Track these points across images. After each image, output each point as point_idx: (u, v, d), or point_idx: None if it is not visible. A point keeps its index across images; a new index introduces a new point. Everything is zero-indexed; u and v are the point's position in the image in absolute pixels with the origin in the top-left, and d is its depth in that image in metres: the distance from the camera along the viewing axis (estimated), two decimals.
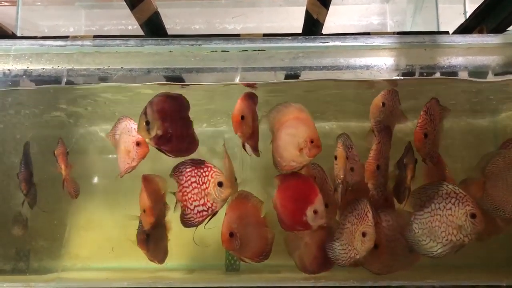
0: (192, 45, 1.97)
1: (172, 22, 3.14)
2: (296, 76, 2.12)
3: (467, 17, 2.26)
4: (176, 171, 1.90)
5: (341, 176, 1.90)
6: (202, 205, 1.86)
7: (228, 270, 2.46)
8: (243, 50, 1.97)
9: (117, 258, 2.49)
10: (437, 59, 1.97)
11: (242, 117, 1.80)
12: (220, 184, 1.84)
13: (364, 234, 1.84)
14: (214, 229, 1.87)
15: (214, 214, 1.87)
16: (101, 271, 2.46)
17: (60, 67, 2.01)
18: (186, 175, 1.89)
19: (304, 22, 2.10)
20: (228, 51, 1.97)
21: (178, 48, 1.98)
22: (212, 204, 1.86)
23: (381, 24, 3.25)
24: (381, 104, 1.88)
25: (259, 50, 1.97)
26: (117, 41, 1.99)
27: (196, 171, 1.88)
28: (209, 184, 1.86)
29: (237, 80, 2.08)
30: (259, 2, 3.15)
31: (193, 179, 1.88)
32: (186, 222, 1.88)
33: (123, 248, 2.43)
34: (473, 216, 1.83)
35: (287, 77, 2.10)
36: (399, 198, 2.03)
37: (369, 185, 1.92)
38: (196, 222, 1.87)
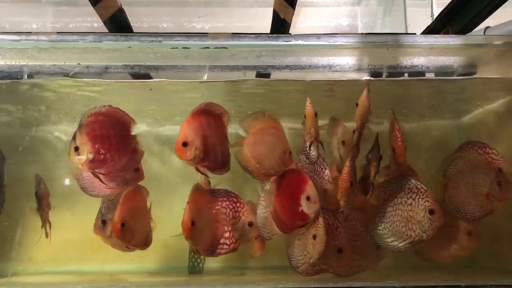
0: (152, 41, 1.91)
1: (139, 21, 3.09)
2: (267, 75, 2.11)
3: (434, 19, 2.27)
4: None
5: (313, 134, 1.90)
6: (226, 238, 1.84)
7: (191, 272, 2.40)
8: (205, 48, 1.93)
9: (75, 261, 2.42)
10: (399, 59, 1.97)
11: (185, 144, 1.69)
12: (250, 224, 1.87)
13: (314, 237, 1.82)
14: (177, 231, 1.79)
15: (233, 250, 1.86)
16: (58, 274, 2.38)
17: (14, 63, 1.94)
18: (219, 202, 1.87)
19: (272, 22, 2.09)
20: (189, 48, 1.93)
21: (137, 44, 1.91)
22: (236, 241, 1.84)
23: (351, 26, 3.27)
24: (368, 105, 1.86)
25: (221, 47, 1.93)
26: (74, 37, 1.92)
27: (228, 203, 1.88)
28: (238, 220, 1.87)
29: (204, 78, 2.05)
30: (229, 1, 3.12)
31: (223, 210, 1.86)
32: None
33: (81, 250, 2.37)
34: (431, 212, 1.84)
35: (258, 75, 2.08)
36: (365, 190, 2.01)
37: (341, 202, 1.85)
38: (216, 251, 1.84)
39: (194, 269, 2.44)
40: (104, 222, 2.00)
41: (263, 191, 2.17)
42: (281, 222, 1.89)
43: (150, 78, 2.11)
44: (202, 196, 1.84)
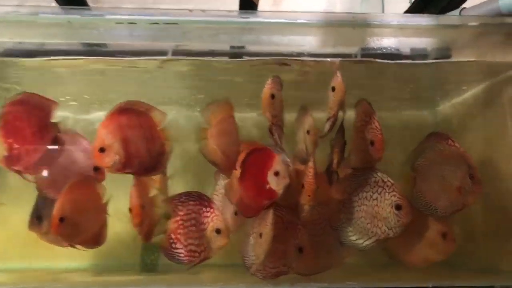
0: (94, 15, 1.72)
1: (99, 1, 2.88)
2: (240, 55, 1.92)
3: (411, 3, 2.11)
4: (177, 199, 1.75)
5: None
6: (196, 245, 1.72)
7: (143, 270, 2.23)
8: (153, 23, 1.74)
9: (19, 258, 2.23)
10: (366, 39, 1.81)
11: (102, 149, 1.55)
12: (218, 231, 1.72)
13: (260, 235, 1.66)
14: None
15: (203, 260, 1.74)
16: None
17: None
18: (188, 208, 1.74)
19: (240, 4, 1.90)
20: (135, 23, 1.74)
21: (78, 18, 1.72)
22: (205, 249, 1.73)
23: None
24: (270, 96, 1.71)
25: (172, 23, 1.74)
26: (7, 8, 1.71)
27: (199, 207, 1.74)
28: (207, 226, 1.73)
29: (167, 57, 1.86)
30: None
31: (193, 215, 1.73)
32: (173, 256, 1.73)
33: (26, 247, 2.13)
34: (398, 207, 1.69)
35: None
36: (328, 180, 1.89)
37: (305, 207, 1.73)
38: (184, 259, 1.72)
39: (147, 267, 2.26)
40: (40, 218, 1.82)
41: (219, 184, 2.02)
42: (245, 206, 1.74)
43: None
44: (84, 188, 1.76)
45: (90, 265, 2.28)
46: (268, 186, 1.68)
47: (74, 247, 1.76)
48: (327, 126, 1.81)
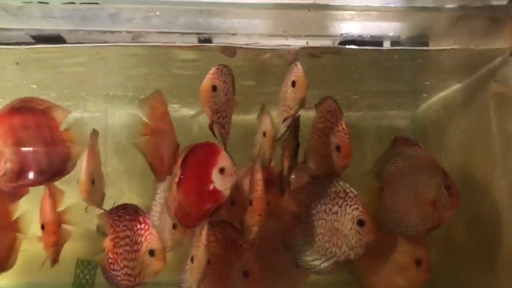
0: None
1: None
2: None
3: None
4: (114, 213, 1.52)
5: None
6: (131, 268, 1.48)
7: None
8: (68, 3, 1.44)
9: None
10: (324, 24, 1.52)
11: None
12: (152, 252, 1.45)
13: (192, 259, 1.36)
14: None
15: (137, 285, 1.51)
16: None
17: None
18: (124, 224, 1.50)
19: None
20: (47, 3, 1.44)
21: None
22: (139, 273, 1.48)
23: None
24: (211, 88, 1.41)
25: (90, 3, 1.45)
26: None
27: (134, 223, 1.49)
28: (140, 247, 1.47)
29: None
30: None
31: (128, 232, 1.49)
32: (111, 279, 1.51)
33: None
34: (360, 223, 1.41)
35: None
36: (280, 189, 1.62)
37: (253, 228, 1.47)
38: (121, 284, 1.49)
39: (81, 287, 1.99)
40: None
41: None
42: (183, 214, 1.43)
43: None
44: None
45: (17, 285, 2.00)
46: (212, 186, 1.37)
47: None
48: (283, 127, 1.52)
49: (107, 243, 1.50)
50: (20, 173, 1.35)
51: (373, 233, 1.42)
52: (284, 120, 1.51)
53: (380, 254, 1.61)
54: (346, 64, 1.78)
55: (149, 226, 1.48)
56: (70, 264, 1.96)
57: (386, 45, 1.62)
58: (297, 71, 1.44)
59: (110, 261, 1.49)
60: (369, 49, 1.58)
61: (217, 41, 1.55)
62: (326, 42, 1.56)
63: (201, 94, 1.43)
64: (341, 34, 1.54)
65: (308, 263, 1.55)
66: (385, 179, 1.64)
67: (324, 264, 1.52)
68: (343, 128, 1.53)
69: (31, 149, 1.37)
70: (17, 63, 1.70)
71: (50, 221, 1.48)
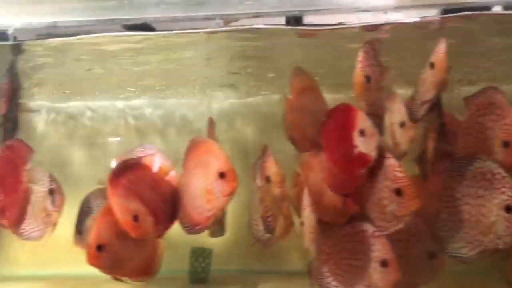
0: None
1: None
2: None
3: None
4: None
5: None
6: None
7: (192, 281, 2.00)
8: None
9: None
10: None
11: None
12: (222, 175, 1.42)
13: (384, 263, 1.36)
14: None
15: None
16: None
17: None
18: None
19: None
20: None
21: None
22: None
23: None
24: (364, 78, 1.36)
25: None
26: None
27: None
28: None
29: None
30: None
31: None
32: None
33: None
34: (508, 209, 1.27)
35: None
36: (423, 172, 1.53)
37: (405, 219, 1.37)
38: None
39: (197, 276, 2.01)
40: (80, 232, 1.67)
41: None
42: (338, 182, 1.41)
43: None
44: None
45: None
46: (357, 151, 1.35)
47: (119, 280, 1.52)
48: (422, 111, 1.43)
49: None
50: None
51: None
52: (423, 103, 1.42)
53: None
54: None
55: None
56: (184, 253, 2.01)
57: None
58: (438, 51, 1.34)
59: None
60: None
61: None
62: None
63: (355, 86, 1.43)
64: None
65: (454, 251, 1.42)
66: None
67: (471, 253, 1.38)
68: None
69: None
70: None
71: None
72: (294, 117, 1.59)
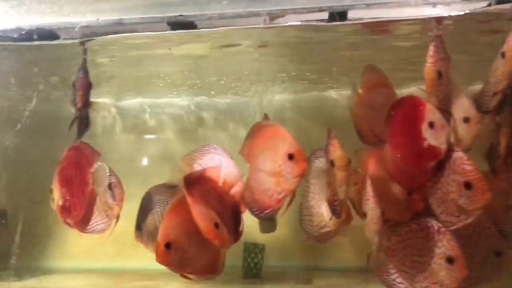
0: None
1: None
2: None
3: None
4: None
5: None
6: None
7: (246, 276, 2.04)
8: None
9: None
10: None
11: None
12: (291, 156, 1.40)
13: (449, 260, 1.34)
14: None
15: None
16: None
17: None
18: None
19: None
20: None
21: None
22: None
23: None
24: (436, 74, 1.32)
25: None
26: None
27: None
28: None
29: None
30: None
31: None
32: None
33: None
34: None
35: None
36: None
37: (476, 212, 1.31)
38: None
39: (251, 271, 2.04)
40: (140, 229, 1.69)
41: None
42: (407, 176, 1.36)
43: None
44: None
45: None
46: (426, 144, 1.30)
47: (186, 278, 1.49)
48: (493, 102, 1.40)
49: None
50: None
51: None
52: (494, 94, 1.39)
53: None
54: None
55: None
56: (238, 248, 1.99)
57: None
58: (509, 41, 1.30)
59: None
60: None
61: None
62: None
63: (427, 82, 1.41)
64: None
65: None
66: None
67: None
68: None
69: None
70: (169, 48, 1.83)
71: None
72: (364, 112, 1.57)
